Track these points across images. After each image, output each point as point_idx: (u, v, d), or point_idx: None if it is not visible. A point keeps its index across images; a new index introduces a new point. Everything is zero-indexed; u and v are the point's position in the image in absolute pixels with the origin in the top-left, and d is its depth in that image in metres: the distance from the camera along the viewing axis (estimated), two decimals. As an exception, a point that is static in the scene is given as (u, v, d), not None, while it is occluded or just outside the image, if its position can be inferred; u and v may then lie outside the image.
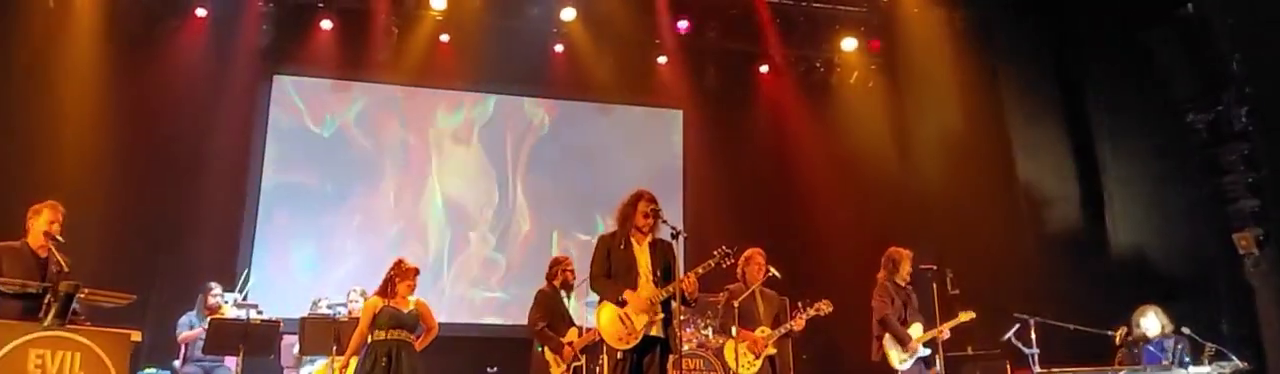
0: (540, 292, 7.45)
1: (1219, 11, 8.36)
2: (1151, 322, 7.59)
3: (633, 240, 5.78)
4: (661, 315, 5.64)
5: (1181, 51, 8.76)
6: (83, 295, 5.61)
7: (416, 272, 6.84)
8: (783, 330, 7.29)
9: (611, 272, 5.75)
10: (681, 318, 6.03)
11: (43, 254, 5.95)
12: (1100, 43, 9.62)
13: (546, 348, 7.23)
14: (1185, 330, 7.42)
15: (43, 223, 5.93)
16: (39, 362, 5.26)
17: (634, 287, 5.68)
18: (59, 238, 6.05)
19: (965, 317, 7.50)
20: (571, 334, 7.23)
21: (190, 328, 8.02)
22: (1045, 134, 9.81)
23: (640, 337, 5.60)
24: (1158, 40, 8.85)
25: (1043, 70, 9.99)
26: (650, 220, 5.72)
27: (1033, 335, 7.51)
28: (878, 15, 11.25)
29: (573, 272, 7.41)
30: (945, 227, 10.17)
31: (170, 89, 9.92)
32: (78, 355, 5.43)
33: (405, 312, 6.73)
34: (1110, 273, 9.07)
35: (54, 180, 8.83)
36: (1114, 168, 9.34)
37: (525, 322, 7.49)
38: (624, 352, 5.63)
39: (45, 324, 5.40)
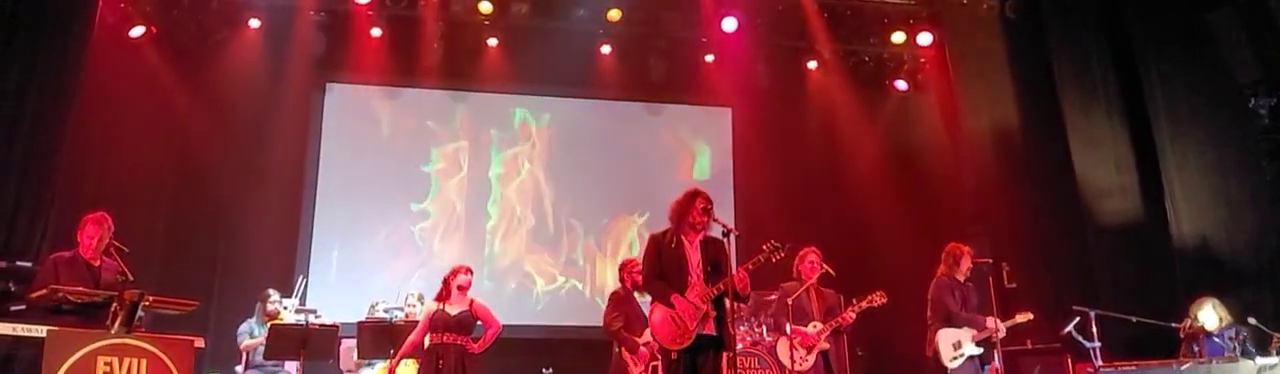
0: (614, 293, 7.51)
1: (1277, -6, 8.15)
2: (1208, 314, 7.44)
3: (684, 239, 5.83)
4: (714, 313, 5.67)
5: (1241, 35, 8.55)
6: (147, 303, 5.79)
7: (467, 270, 6.94)
8: (833, 324, 7.27)
9: (663, 271, 5.79)
10: (735, 316, 6.04)
11: (96, 263, 6.14)
12: (1157, 29, 9.41)
13: (623, 348, 7.26)
14: (1252, 320, 7.26)
15: (84, 237, 6.18)
16: (107, 368, 5.44)
17: (685, 285, 5.73)
18: (123, 248, 6.25)
19: (1022, 318, 7.38)
20: (647, 334, 7.25)
21: (251, 335, 8.17)
22: (1102, 123, 9.61)
23: (693, 336, 5.64)
24: (1217, 24, 8.64)
25: (1098, 58, 9.79)
26: (705, 218, 5.76)
27: (1094, 328, 7.38)
28: (926, 8, 11.11)
29: None
30: (1001, 220, 10.01)
31: (225, 99, 10.16)
32: (144, 362, 5.60)
33: (453, 313, 6.81)
34: (1173, 263, 8.88)
35: (114, 190, 9.08)
36: (1174, 156, 9.12)
37: (578, 323, 7.54)
38: (678, 352, 5.66)
39: (113, 331, 5.57)
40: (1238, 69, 8.63)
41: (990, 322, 7.18)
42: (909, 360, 8.03)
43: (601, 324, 7.32)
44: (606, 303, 7.51)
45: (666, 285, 5.74)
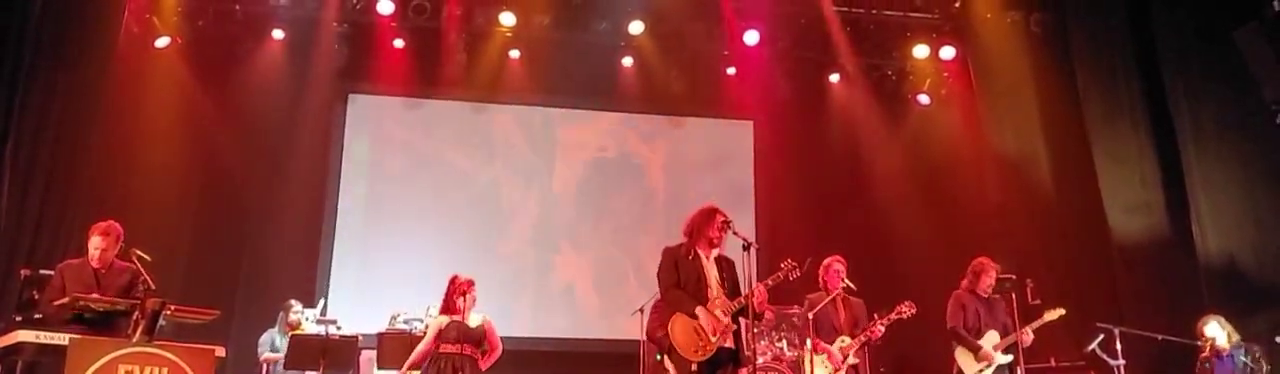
0: (657, 302, 7.46)
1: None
2: (1214, 328, 7.35)
3: (699, 253, 5.80)
4: (734, 326, 5.66)
5: (1269, 51, 8.49)
6: (169, 312, 5.81)
7: (471, 283, 6.86)
8: (862, 339, 7.17)
9: (681, 284, 5.77)
10: (755, 331, 6.01)
11: (103, 271, 6.21)
12: (1183, 44, 9.36)
13: (666, 357, 7.20)
14: (1278, 340, 7.18)
15: (91, 247, 6.25)
16: (128, 377, 5.45)
17: (704, 298, 5.72)
18: (145, 257, 6.28)
19: (1052, 315, 7.25)
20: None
21: (272, 346, 8.19)
22: (1127, 138, 9.54)
23: (714, 349, 5.62)
24: (1244, 40, 8.59)
25: (1123, 73, 9.74)
26: (723, 233, 5.75)
27: (1118, 346, 7.31)
28: (950, 21, 11.08)
29: None
30: (1025, 235, 9.94)
31: (249, 110, 10.21)
32: (165, 370, 5.64)
33: (472, 327, 6.77)
34: (1199, 281, 8.79)
35: (137, 200, 9.12)
36: (1200, 172, 9.03)
37: (597, 336, 7.49)
38: (697, 364, 5.64)
39: (134, 340, 5.60)
40: (1265, 85, 8.57)
41: (988, 350, 7.11)
42: (933, 377, 7.95)
43: (620, 337, 7.28)
44: (650, 311, 7.40)
45: (687, 295, 5.72)
